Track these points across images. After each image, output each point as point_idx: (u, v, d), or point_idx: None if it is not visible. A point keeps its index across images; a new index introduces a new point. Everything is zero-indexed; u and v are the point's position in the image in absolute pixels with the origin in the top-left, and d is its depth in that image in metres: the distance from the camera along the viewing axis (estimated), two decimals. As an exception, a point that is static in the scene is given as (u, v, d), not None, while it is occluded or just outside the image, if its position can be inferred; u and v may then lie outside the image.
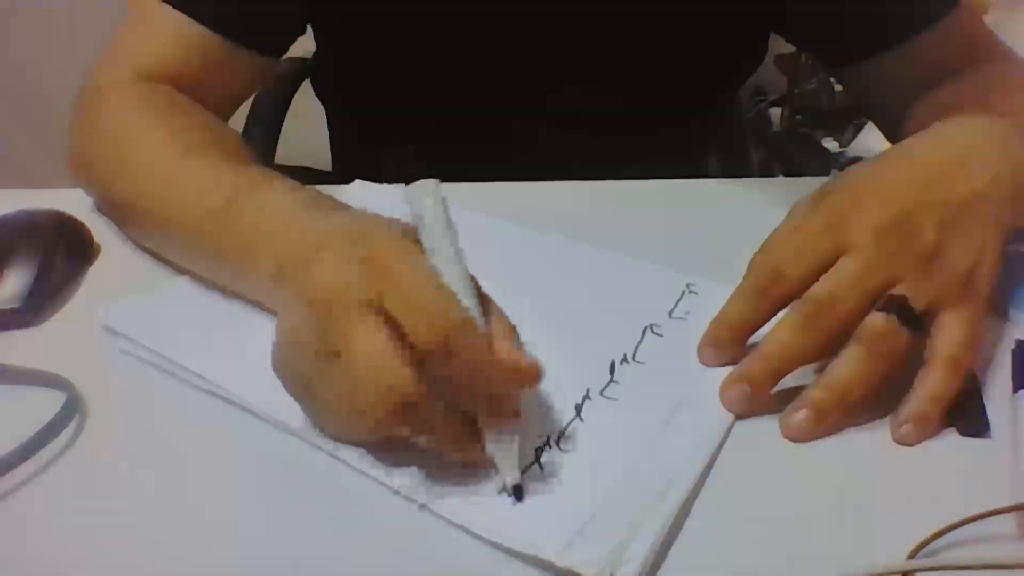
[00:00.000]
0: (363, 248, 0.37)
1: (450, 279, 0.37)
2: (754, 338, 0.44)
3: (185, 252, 0.51)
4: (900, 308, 0.41)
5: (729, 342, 0.44)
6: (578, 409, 0.42)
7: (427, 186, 0.38)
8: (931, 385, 0.41)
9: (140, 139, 0.54)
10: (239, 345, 0.45)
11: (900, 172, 0.45)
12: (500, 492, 0.37)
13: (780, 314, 0.43)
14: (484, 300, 0.39)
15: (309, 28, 0.70)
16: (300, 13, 0.67)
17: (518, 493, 0.37)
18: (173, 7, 0.59)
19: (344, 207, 0.45)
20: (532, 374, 0.37)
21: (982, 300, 0.43)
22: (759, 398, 0.42)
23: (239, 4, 0.61)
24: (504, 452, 0.37)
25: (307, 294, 0.37)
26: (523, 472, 0.38)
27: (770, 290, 0.43)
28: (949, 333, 0.41)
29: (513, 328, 0.39)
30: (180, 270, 0.52)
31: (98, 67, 0.61)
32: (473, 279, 0.38)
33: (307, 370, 0.37)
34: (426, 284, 0.36)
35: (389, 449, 0.38)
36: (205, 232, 0.48)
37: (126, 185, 0.54)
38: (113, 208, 0.57)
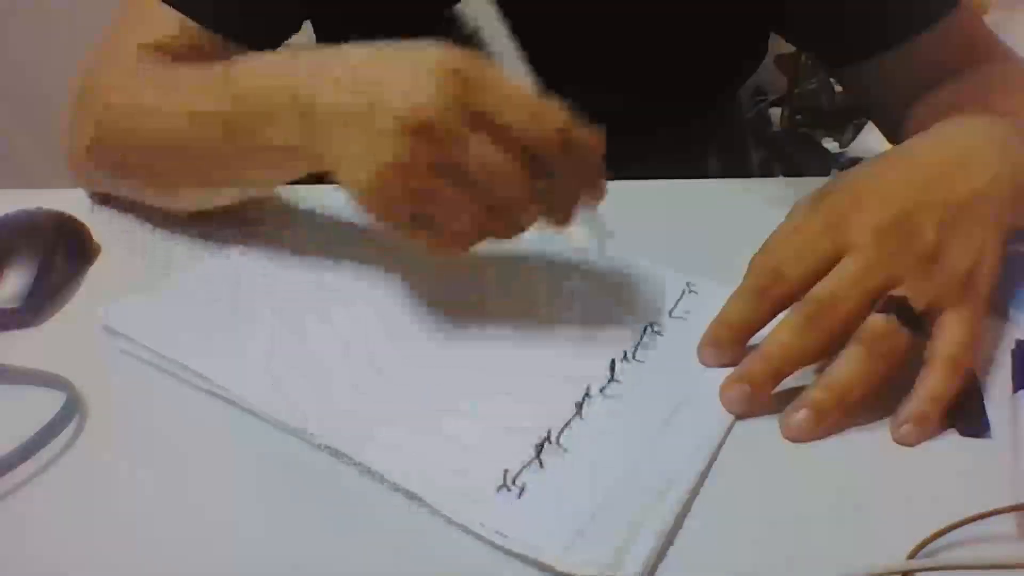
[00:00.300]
0: (451, 68, 0.39)
1: (524, 80, 0.42)
2: (755, 339, 0.44)
3: (200, 159, 0.50)
4: (900, 308, 0.41)
5: (729, 342, 0.44)
6: (578, 407, 0.42)
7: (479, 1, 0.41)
8: (931, 385, 0.41)
9: (144, 87, 0.54)
10: (239, 345, 0.46)
11: (900, 172, 0.45)
12: (597, 253, 0.48)
13: (780, 315, 0.43)
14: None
15: (309, 26, 0.70)
16: (297, 12, 0.67)
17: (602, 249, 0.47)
18: (171, 6, 0.59)
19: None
20: (600, 143, 0.41)
21: (982, 300, 0.42)
22: (759, 399, 0.42)
23: (238, 3, 0.61)
24: (591, 219, 0.46)
25: (402, 119, 0.38)
26: (523, 468, 0.38)
27: (770, 290, 0.43)
28: (949, 333, 0.41)
29: (560, 104, 0.41)
30: (182, 260, 0.52)
31: (91, 65, 0.61)
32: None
33: (417, 194, 0.40)
34: (522, 92, 0.40)
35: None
36: (211, 116, 0.47)
37: (138, 135, 0.53)
38: (130, 174, 0.56)
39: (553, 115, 0.40)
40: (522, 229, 0.43)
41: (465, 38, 0.41)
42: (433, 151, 0.39)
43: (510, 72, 0.40)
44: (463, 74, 0.39)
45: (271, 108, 0.44)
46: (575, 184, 0.42)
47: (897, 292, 0.41)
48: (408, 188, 0.40)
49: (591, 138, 0.41)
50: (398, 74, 0.40)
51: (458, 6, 0.40)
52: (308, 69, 0.43)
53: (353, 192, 0.42)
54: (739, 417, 0.42)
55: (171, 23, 0.59)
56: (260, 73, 0.46)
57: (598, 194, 0.43)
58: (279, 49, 0.50)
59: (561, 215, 0.43)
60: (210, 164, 0.51)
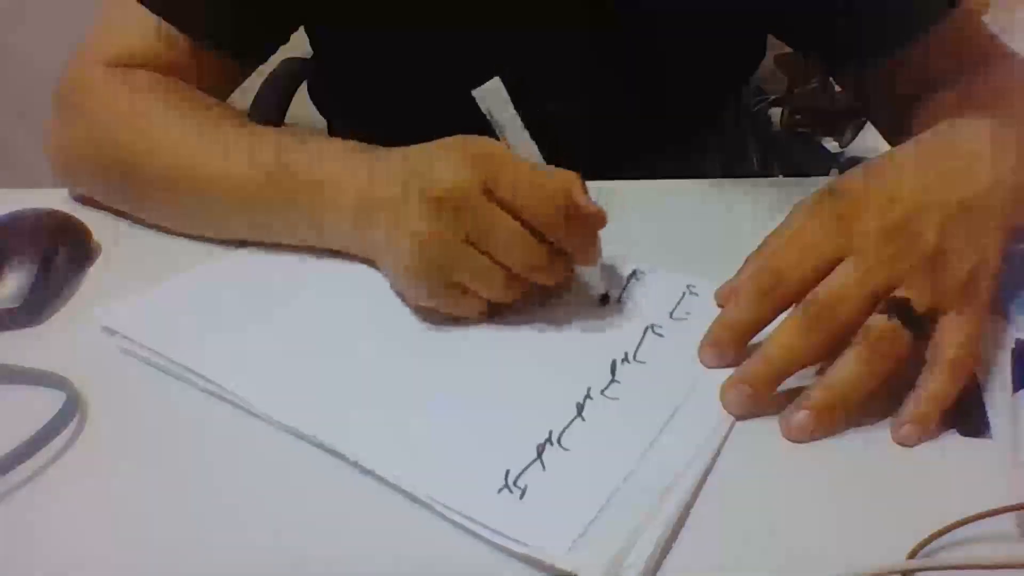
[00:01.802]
0: (461, 155, 0.45)
1: (532, 159, 0.46)
2: (755, 340, 0.44)
3: (225, 216, 0.54)
4: (902, 310, 0.41)
5: (730, 343, 0.44)
6: (579, 408, 0.42)
7: (492, 87, 0.46)
8: (933, 387, 0.41)
9: (144, 113, 0.55)
10: (238, 344, 0.46)
11: (901, 174, 0.45)
12: (598, 304, 0.49)
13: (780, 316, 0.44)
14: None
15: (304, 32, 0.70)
16: (284, 24, 0.67)
17: (606, 299, 0.49)
18: (147, 8, 0.59)
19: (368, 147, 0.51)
20: (602, 218, 0.46)
21: (984, 302, 0.42)
22: (760, 400, 0.41)
23: (215, 10, 0.61)
24: (592, 273, 0.49)
25: (430, 194, 0.44)
26: (525, 469, 0.38)
27: (772, 291, 0.43)
28: (951, 336, 0.41)
29: (576, 175, 0.46)
30: (182, 260, 0.52)
31: (71, 66, 0.61)
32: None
33: (447, 263, 0.45)
34: (530, 173, 0.44)
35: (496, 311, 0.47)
36: (250, 193, 0.51)
37: (135, 164, 0.54)
38: (117, 193, 0.57)
39: (557, 193, 0.44)
40: (541, 290, 0.47)
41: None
42: (458, 221, 0.44)
43: (522, 153, 0.46)
44: (481, 157, 0.44)
45: (323, 212, 0.50)
46: (578, 251, 0.47)
47: (899, 294, 0.41)
48: (440, 254, 0.45)
49: (590, 210, 0.45)
50: (426, 160, 0.46)
51: (476, 91, 0.46)
52: (367, 168, 0.49)
53: (392, 266, 0.48)
54: (740, 418, 0.42)
55: (144, 23, 0.59)
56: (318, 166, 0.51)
57: (590, 260, 0.47)
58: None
59: (559, 276, 0.47)
60: (231, 219, 0.54)
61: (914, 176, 0.45)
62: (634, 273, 0.52)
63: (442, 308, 0.47)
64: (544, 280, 0.46)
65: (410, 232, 0.45)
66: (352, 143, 0.52)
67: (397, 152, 0.49)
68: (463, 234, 0.44)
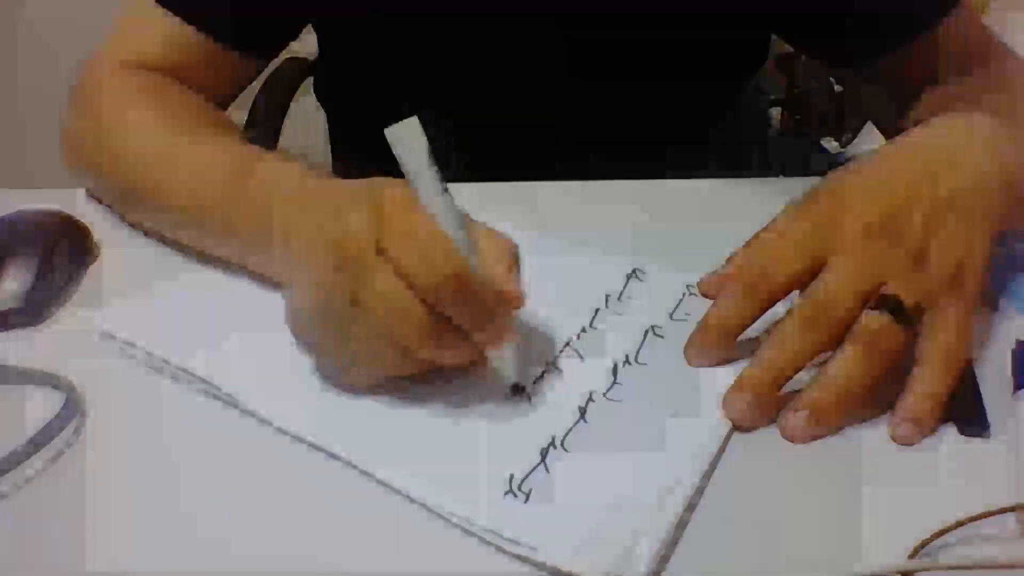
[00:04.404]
0: (365, 201, 0.39)
1: (440, 217, 0.38)
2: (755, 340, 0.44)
3: (191, 232, 0.52)
4: (893, 306, 0.41)
5: (717, 342, 0.44)
6: (582, 412, 0.42)
7: (407, 127, 0.38)
8: (926, 383, 0.41)
9: (134, 123, 0.55)
10: (237, 344, 0.45)
11: (886, 171, 0.45)
12: (506, 395, 0.42)
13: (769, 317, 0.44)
14: (472, 229, 0.40)
15: (309, 29, 0.70)
16: (295, 17, 0.67)
17: (519, 390, 0.42)
18: (164, 8, 0.59)
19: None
20: (516, 300, 0.40)
21: (972, 296, 0.43)
22: (763, 405, 0.41)
23: (230, 7, 0.61)
24: (503, 360, 0.42)
25: (319, 245, 0.39)
26: (529, 474, 0.38)
27: (757, 289, 0.43)
28: (941, 330, 0.41)
29: (506, 246, 0.41)
30: (182, 260, 0.52)
31: (89, 64, 0.61)
32: (461, 210, 0.40)
33: (332, 318, 0.40)
34: (423, 232, 0.38)
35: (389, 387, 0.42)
36: (211, 209, 0.50)
37: (123, 170, 0.55)
38: (111, 194, 0.58)
39: (448, 261, 0.37)
40: (428, 366, 0.41)
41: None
42: (343, 276, 0.38)
43: (433, 209, 0.38)
44: (382, 208, 0.39)
45: (268, 237, 0.46)
46: (474, 329, 0.40)
47: (888, 290, 0.41)
48: (321, 309, 0.40)
49: (485, 290, 0.39)
50: (331, 205, 0.40)
51: (388, 130, 0.37)
52: (299, 204, 0.44)
53: (286, 308, 0.42)
54: (743, 428, 0.41)
55: (163, 23, 0.60)
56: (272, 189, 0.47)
57: (491, 344, 0.41)
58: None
59: (459, 357, 0.41)
60: (195, 235, 0.53)
61: (900, 173, 0.45)
62: (634, 272, 0.52)
63: (326, 371, 0.43)
64: (437, 358, 0.40)
65: (297, 277, 0.41)
66: (307, 173, 0.47)
67: (329, 189, 0.44)
68: (347, 292, 0.39)
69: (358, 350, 0.40)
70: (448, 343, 0.39)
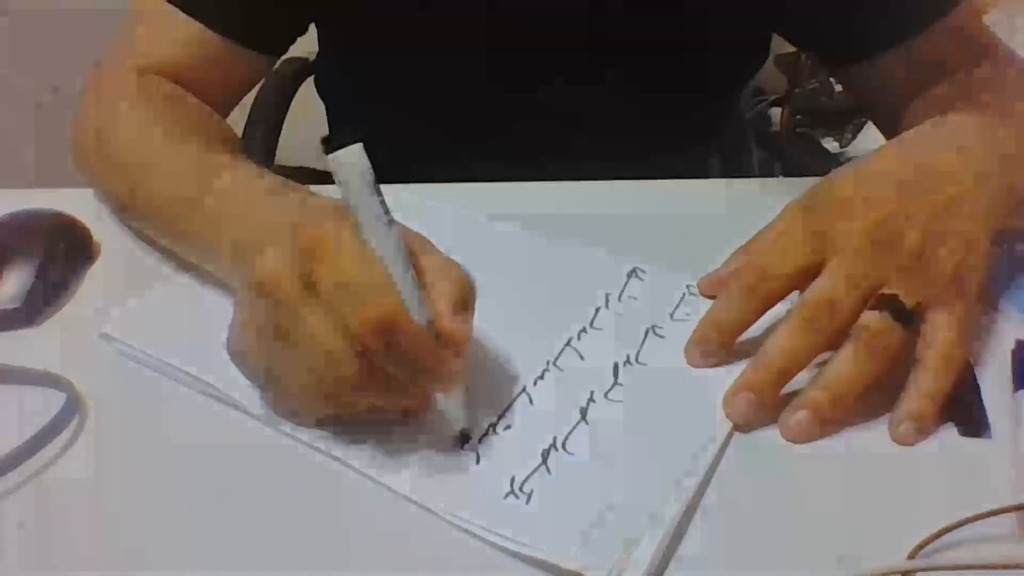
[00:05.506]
0: (305, 234, 0.37)
1: (381, 253, 0.36)
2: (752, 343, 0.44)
3: (163, 235, 0.53)
4: (893, 306, 0.41)
5: (717, 342, 0.44)
6: (583, 412, 0.42)
7: (350, 154, 0.35)
8: (925, 383, 0.41)
9: (124, 129, 0.55)
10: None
11: (885, 172, 0.45)
12: (453, 444, 0.40)
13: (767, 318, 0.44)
14: (426, 259, 0.38)
15: (310, 27, 0.70)
16: (302, 13, 0.67)
17: (465, 439, 0.40)
18: (175, 7, 0.60)
19: (304, 191, 0.45)
20: (460, 343, 0.37)
21: (971, 296, 0.43)
22: (764, 406, 0.41)
23: (240, 4, 0.61)
24: (449, 405, 0.39)
25: (252, 278, 0.38)
26: (530, 475, 0.38)
27: (757, 289, 0.43)
28: (941, 330, 0.41)
29: (459, 282, 0.38)
30: (179, 263, 0.52)
31: (102, 63, 0.61)
32: (406, 246, 0.37)
33: (261, 352, 0.39)
34: (357, 271, 0.36)
35: (339, 421, 0.40)
36: (176, 216, 0.50)
37: (111, 176, 0.55)
38: (105, 197, 0.58)
39: (377, 302, 0.35)
40: (357, 409, 0.39)
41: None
42: (269, 313, 0.37)
43: (374, 243, 0.36)
44: (311, 243, 0.37)
45: (217, 250, 0.46)
46: (408, 378, 0.37)
47: (888, 290, 0.41)
48: (251, 346, 0.39)
49: (426, 336, 0.36)
50: (259, 241, 0.39)
51: (331, 156, 0.35)
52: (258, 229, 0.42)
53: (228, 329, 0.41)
54: (745, 428, 0.41)
55: (173, 22, 0.60)
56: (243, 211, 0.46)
57: (436, 389, 0.39)
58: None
59: (395, 404, 0.40)
60: (166, 238, 0.53)
61: (897, 173, 0.45)
62: (634, 272, 0.52)
63: (270, 404, 0.41)
64: (369, 400, 0.38)
65: (236, 312, 0.40)
66: (264, 190, 0.46)
67: (268, 213, 0.43)
68: (274, 328, 0.37)
69: (288, 386, 0.39)
70: (380, 390, 0.37)
